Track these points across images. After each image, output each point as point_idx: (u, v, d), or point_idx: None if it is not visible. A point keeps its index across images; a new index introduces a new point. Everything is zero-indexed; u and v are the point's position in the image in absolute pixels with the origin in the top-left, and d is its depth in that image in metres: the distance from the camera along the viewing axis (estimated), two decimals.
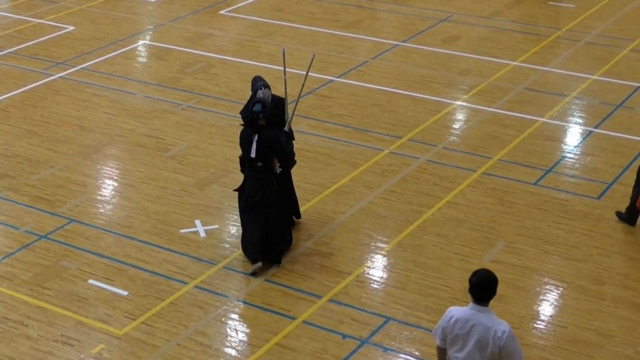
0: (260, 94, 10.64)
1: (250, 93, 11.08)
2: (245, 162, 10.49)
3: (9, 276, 10.71)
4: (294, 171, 11.74)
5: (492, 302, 10.13)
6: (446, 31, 18.22)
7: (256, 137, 10.30)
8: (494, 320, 7.26)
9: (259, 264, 10.57)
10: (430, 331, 9.66)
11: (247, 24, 18.88)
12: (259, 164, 10.37)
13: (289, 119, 10.98)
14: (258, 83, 10.85)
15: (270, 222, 10.57)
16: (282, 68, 11.12)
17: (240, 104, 14.39)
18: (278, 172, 10.61)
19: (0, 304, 10.21)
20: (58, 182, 12.73)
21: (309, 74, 11.09)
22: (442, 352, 7.51)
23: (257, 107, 10.24)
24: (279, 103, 11.01)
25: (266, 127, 10.34)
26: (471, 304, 7.31)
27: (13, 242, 11.38)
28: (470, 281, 7.25)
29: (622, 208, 11.83)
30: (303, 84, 11.05)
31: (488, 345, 7.17)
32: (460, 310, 7.35)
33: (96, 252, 11.13)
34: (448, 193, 12.30)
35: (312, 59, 11.12)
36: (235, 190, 10.76)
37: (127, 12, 19.60)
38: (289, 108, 11.18)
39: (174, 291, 10.40)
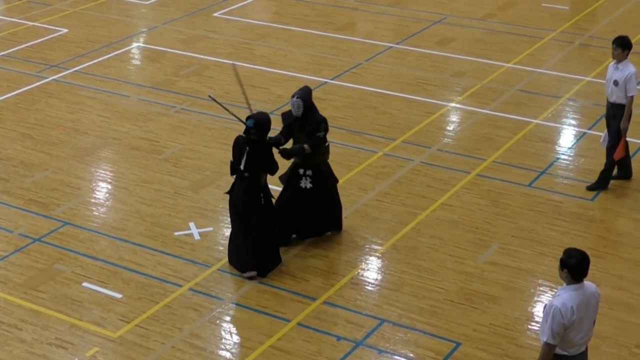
0: (293, 102, 10.68)
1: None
2: (234, 168, 10.49)
3: (2, 279, 10.69)
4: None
5: (485, 303, 10.19)
6: (440, 33, 18.24)
7: (247, 150, 10.30)
8: (591, 286, 7.60)
9: (251, 272, 10.57)
10: (425, 333, 9.68)
11: (241, 26, 18.88)
12: (246, 174, 10.36)
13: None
14: (297, 92, 10.84)
15: (253, 233, 10.48)
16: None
17: (235, 106, 14.38)
18: (263, 183, 10.53)
19: None
20: (52, 185, 12.72)
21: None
22: (553, 350, 7.55)
23: (250, 123, 10.28)
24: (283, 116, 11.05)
25: (259, 142, 10.33)
26: (573, 285, 7.44)
27: (7, 245, 11.36)
28: (569, 264, 7.38)
29: (616, 209, 11.87)
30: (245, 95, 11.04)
31: (597, 308, 7.65)
32: (568, 297, 7.42)
33: (90, 255, 11.12)
34: (442, 195, 12.31)
35: (234, 68, 11.29)
36: (226, 193, 10.75)
37: (120, 15, 19.59)
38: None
39: (169, 294, 10.39)
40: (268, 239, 10.57)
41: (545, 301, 10.25)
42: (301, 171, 10.92)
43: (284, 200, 11.03)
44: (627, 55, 11.95)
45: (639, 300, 10.24)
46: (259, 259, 10.57)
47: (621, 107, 11.94)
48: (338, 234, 11.35)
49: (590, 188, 12.35)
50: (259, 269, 10.60)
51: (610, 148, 12.07)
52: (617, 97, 11.97)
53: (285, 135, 10.91)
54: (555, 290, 10.33)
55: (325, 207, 11.14)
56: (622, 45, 11.93)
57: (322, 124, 10.77)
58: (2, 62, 17.04)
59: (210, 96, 11.24)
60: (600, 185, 12.32)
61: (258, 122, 10.28)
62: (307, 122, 10.75)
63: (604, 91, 12.30)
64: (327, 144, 10.99)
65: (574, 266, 7.42)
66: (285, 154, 10.79)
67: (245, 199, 10.39)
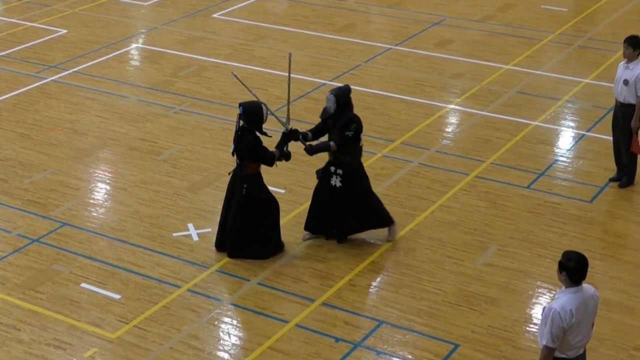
0: (327, 97, 10.78)
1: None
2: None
3: (1, 280, 10.69)
4: (288, 175, 11.78)
5: (484, 305, 10.19)
6: (439, 35, 18.24)
7: (236, 136, 10.63)
8: (590, 288, 7.61)
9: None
10: (423, 334, 9.68)
11: (240, 27, 18.88)
12: (238, 161, 10.69)
13: (286, 121, 11.02)
14: (334, 88, 10.99)
15: (229, 221, 10.84)
16: (287, 73, 11.08)
17: (233, 108, 14.40)
18: (248, 174, 10.66)
19: None
20: (50, 185, 12.72)
21: (291, 74, 11.15)
22: (553, 353, 7.54)
23: (240, 109, 10.58)
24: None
25: (247, 130, 10.56)
26: (572, 288, 7.43)
27: (5, 245, 11.35)
28: (568, 266, 7.38)
29: (615, 211, 11.88)
30: (289, 86, 11.06)
31: (596, 310, 7.66)
32: (567, 300, 7.41)
33: (89, 256, 11.11)
34: (441, 197, 12.31)
35: (289, 59, 11.20)
36: (228, 174, 11.10)
37: (119, 16, 19.59)
38: (281, 111, 11.20)
39: (167, 295, 10.39)
40: (241, 229, 10.77)
41: (544, 303, 10.25)
42: (332, 169, 10.93)
43: (315, 195, 11.14)
44: (639, 54, 11.98)
45: (637, 302, 10.24)
46: (231, 243, 10.90)
47: (630, 106, 11.98)
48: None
49: (614, 179, 12.57)
50: (229, 252, 10.96)
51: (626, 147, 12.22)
52: (626, 96, 11.99)
53: (318, 130, 10.97)
54: (554, 293, 10.34)
55: (356, 207, 11.00)
56: (634, 44, 11.94)
57: (352, 124, 10.71)
58: (0, 62, 17.04)
59: (233, 74, 11.40)
60: (627, 174, 12.50)
61: (245, 110, 10.55)
62: (340, 120, 10.73)
63: (604, 93, 12.35)
64: (360, 144, 10.92)
65: (573, 269, 7.42)
66: (310, 150, 10.86)
67: (232, 186, 10.81)
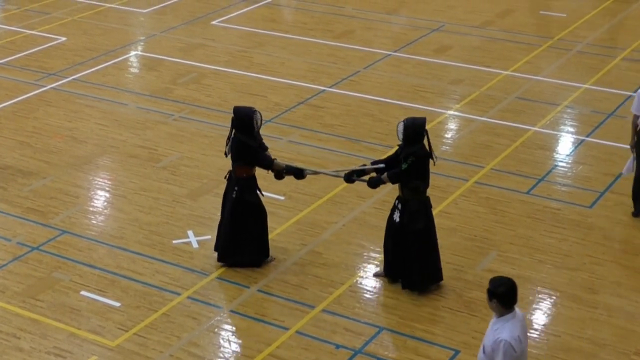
0: (397, 125, 10.24)
1: None
2: None
3: (1, 288, 10.68)
4: (288, 181, 11.75)
5: (484, 311, 10.17)
6: (438, 41, 18.26)
7: (229, 138, 10.73)
8: (519, 311, 7.46)
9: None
10: (424, 341, 9.68)
11: (239, 34, 18.90)
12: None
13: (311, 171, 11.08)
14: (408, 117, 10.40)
15: (221, 221, 10.93)
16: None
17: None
18: (238, 176, 10.67)
19: None
20: (50, 193, 12.71)
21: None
22: None
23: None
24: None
25: (237, 134, 10.59)
26: (509, 314, 7.26)
27: (5, 254, 11.35)
28: (498, 292, 7.18)
29: (615, 216, 11.86)
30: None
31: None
32: (512, 327, 7.23)
33: (88, 264, 11.11)
34: (440, 202, 12.30)
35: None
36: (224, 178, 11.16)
37: (119, 23, 19.61)
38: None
39: (167, 302, 10.38)
40: (233, 233, 10.76)
41: (544, 309, 10.25)
42: (396, 202, 10.36)
43: (386, 230, 10.54)
44: None
45: (637, 307, 10.23)
46: (222, 247, 10.93)
47: None
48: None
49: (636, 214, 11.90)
50: (218, 254, 10.97)
51: None
52: None
53: (392, 158, 10.31)
54: (554, 298, 10.33)
55: (412, 249, 10.25)
56: None
57: (409, 157, 9.98)
58: (0, 70, 17.04)
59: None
60: None
61: (234, 112, 10.62)
62: (404, 151, 10.09)
63: (603, 98, 12.35)
64: (421, 181, 10.17)
65: (504, 294, 7.20)
66: (369, 185, 10.40)
67: (226, 187, 10.85)
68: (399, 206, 10.25)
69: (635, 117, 11.58)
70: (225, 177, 10.97)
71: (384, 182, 10.28)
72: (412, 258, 10.26)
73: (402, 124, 10.09)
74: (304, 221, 11.93)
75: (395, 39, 18.47)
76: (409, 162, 9.98)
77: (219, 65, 17.12)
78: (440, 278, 10.51)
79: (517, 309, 7.37)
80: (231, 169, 10.79)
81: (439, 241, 11.25)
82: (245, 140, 10.53)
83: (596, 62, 17.07)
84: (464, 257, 11.10)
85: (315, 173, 11.18)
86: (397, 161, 10.19)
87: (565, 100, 15.46)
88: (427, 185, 10.27)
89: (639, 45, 17.92)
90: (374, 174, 10.43)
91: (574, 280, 10.70)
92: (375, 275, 10.77)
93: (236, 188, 10.67)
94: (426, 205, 10.28)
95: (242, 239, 10.79)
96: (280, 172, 10.78)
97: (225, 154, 10.73)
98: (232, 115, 10.61)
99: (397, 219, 10.25)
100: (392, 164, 10.28)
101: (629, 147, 11.90)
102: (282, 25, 19.45)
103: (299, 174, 10.77)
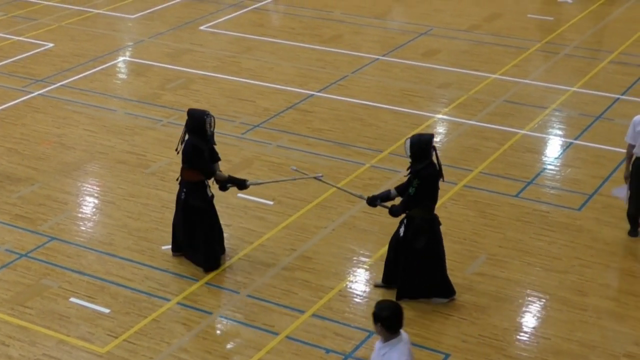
0: (405, 142, 10.02)
1: None
2: None
3: None
4: (277, 186, 11.74)
5: (474, 314, 10.19)
6: (426, 45, 18.29)
7: (181, 139, 10.85)
8: (405, 334, 7.33)
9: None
10: (414, 344, 9.65)
11: (227, 39, 18.89)
12: None
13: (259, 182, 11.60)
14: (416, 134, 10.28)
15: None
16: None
17: (221, 120, 14.39)
18: (187, 179, 10.77)
19: None
20: (38, 200, 12.67)
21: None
22: None
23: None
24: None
25: (190, 137, 10.68)
26: (395, 339, 7.10)
27: None
28: (382, 316, 7.05)
29: (603, 219, 11.90)
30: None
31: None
32: (400, 352, 7.10)
33: (77, 270, 11.07)
34: None
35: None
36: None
37: (106, 29, 19.57)
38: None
39: (156, 308, 10.36)
40: (182, 232, 10.96)
41: (534, 311, 10.26)
42: (402, 215, 10.25)
43: (389, 242, 10.49)
44: None
45: (626, 309, 10.26)
46: (173, 241, 11.18)
47: None
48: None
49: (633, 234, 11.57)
50: (172, 248, 11.25)
51: None
52: None
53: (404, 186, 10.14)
54: (543, 301, 10.35)
55: (412, 265, 10.17)
56: None
57: (415, 180, 9.83)
58: None
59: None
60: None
61: (188, 115, 10.82)
62: (411, 169, 9.94)
63: (590, 101, 12.36)
64: (430, 201, 10.00)
65: (387, 318, 7.07)
66: (390, 213, 10.23)
67: (179, 189, 10.98)
68: (405, 221, 10.15)
69: (630, 146, 11.11)
70: (177, 179, 11.03)
71: (391, 198, 10.22)
72: (411, 273, 10.20)
73: (408, 140, 9.88)
74: (293, 226, 11.93)
75: (383, 43, 18.50)
76: (415, 185, 9.83)
77: (207, 71, 17.10)
78: (451, 293, 10.36)
79: (403, 332, 7.26)
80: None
81: None
82: (197, 144, 10.63)
83: (583, 65, 17.12)
84: (453, 261, 11.10)
85: (259, 184, 11.67)
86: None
87: (553, 103, 15.50)
88: (434, 202, 10.10)
89: (625, 48, 17.99)
90: (397, 200, 10.23)
91: (563, 282, 10.72)
92: (376, 286, 10.67)
93: (184, 191, 10.80)
94: (432, 223, 10.11)
95: (192, 240, 10.97)
96: (223, 183, 10.93)
97: (177, 151, 10.84)
98: (187, 117, 10.78)
99: (402, 234, 10.16)
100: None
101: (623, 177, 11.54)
102: (271, 30, 19.46)
103: (242, 184, 10.97)
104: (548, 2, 20.94)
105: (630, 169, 11.27)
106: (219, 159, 10.93)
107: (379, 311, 7.12)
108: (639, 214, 11.44)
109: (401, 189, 10.13)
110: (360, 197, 10.79)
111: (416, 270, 10.16)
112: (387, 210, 10.20)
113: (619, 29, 19.25)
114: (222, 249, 11.17)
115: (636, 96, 15.71)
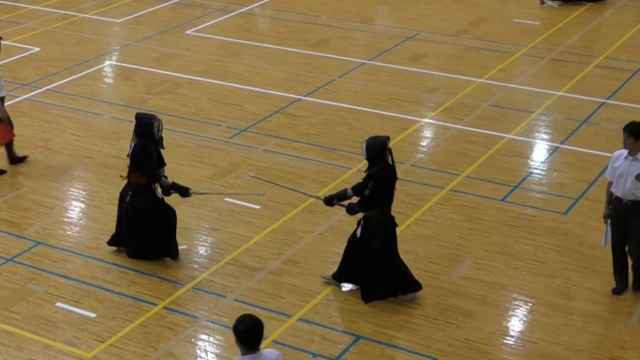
0: (362, 144, 10.14)
1: None
2: None
3: None
4: (264, 191, 11.73)
5: (460, 318, 10.20)
6: (412, 49, 18.32)
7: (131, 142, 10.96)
8: (273, 353, 7.21)
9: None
10: (401, 349, 9.69)
11: (214, 43, 18.88)
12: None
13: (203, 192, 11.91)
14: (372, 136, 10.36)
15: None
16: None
17: (208, 124, 14.39)
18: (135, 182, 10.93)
19: None
20: (24, 204, 12.63)
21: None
22: None
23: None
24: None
25: (139, 140, 10.79)
26: (249, 355, 6.92)
27: None
28: (237, 330, 6.85)
29: (589, 223, 11.93)
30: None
31: None
32: None
33: (63, 275, 11.04)
34: (416, 210, 12.33)
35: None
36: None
37: (92, 33, 19.53)
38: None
39: (143, 312, 10.33)
40: (132, 233, 11.08)
41: (520, 315, 10.28)
42: (360, 218, 10.39)
43: (347, 242, 10.58)
44: None
45: (612, 313, 10.29)
46: (129, 245, 11.29)
47: None
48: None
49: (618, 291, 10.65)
50: (128, 252, 11.34)
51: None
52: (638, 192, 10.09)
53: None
54: (529, 305, 10.36)
55: (371, 265, 10.27)
56: (636, 133, 9.94)
57: (370, 182, 9.96)
58: None
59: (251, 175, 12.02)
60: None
61: (136, 119, 10.94)
62: (367, 172, 10.10)
63: (577, 105, 12.38)
64: (387, 202, 10.13)
65: (241, 333, 6.86)
66: (347, 211, 10.41)
67: (122, 189, 11.23)
68: (362, 222, 10.33)
69: (610, 183, 10.32)
70: (123, 178, 11.18)
71: (348, 197, 10.39)
72: (371, 274, 10.33)
73: (364, 143, 10.06)
74: (280, 230, 11.92)
75: (370, 47, 18.52)
76: (370, 187, 9.97)
77: (194, 75, 17.09)
78: (417, 287, 10.46)
79: (267, 351, 7.11)
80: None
81: (415, 249, 11.27)
82: (146, 148, 10.75)
83: (570, 70, 17.19)
84: (439, 265, 11.13)
85: (202, 194, 11.93)
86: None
87: (539, 107, 15.55)
88: (390, 203, 10.23)
89: (611, 52, 18.07)
90: (353, 199, 10.40)
91: (550, 286, 10.75)
92: (322, 277, 10.80)
93: (130, 193, 10.99)
94: (387, 225, 10.25)
95: (145, 239, 11.10)
96: (167, 189, 11.09)
97: (128, 155, 10.96)
98: (135, 121, 10.91)
99: (359, 235, 10.34)
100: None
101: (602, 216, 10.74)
102: (257, 34, 19.45)
103: (184, 192, 11.15)
104: (534, 6, 21.01)
105: (610, 208, 10.39)
106: (164, 164, 11.12)
107: (237, 324, 6.90)
108: None
109: (357, 189, 10.27)
110: (317, 197, 10.92)
111: (376, 271, 10.30)
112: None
113: (604, 34, 19.33)
114: (171, 253, 11.21)
115: (622, 101, 15.78)
